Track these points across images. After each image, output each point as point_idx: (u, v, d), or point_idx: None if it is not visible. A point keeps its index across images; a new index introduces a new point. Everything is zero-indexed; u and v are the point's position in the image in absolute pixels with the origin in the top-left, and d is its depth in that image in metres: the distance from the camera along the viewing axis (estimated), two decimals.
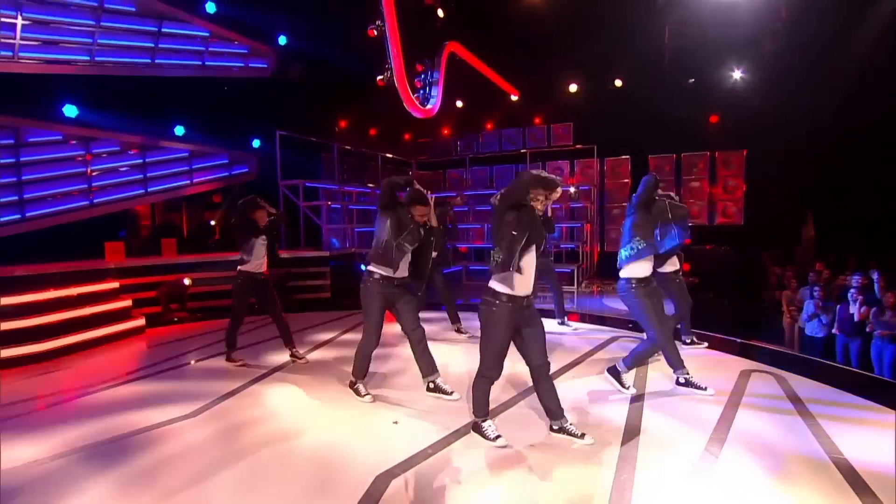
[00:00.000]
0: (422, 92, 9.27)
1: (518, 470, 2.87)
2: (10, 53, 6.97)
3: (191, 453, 3.13)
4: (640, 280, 3.95)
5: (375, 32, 7.72)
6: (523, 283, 3.00)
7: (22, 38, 7.00)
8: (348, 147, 11.43)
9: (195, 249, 9.30)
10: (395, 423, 3.57)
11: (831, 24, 9.07)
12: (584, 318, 7.06)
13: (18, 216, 7.05)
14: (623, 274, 4.03)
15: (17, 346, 4.97)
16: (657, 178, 4.22)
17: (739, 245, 10.90)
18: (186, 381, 4.54)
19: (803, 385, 4.14)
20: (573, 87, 12.13)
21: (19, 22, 6.94)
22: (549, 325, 6.21)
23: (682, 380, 4.04)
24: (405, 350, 5.37)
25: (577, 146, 12.16)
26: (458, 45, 9.87)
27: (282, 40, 10.12)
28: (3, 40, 6.87)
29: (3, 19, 6.80)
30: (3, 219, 6.92)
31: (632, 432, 3.33)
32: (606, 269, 11.58)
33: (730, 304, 9.74)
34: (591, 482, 2.72)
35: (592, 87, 12.00)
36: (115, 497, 2.66)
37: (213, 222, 10.08)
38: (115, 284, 6.19)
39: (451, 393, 3.86)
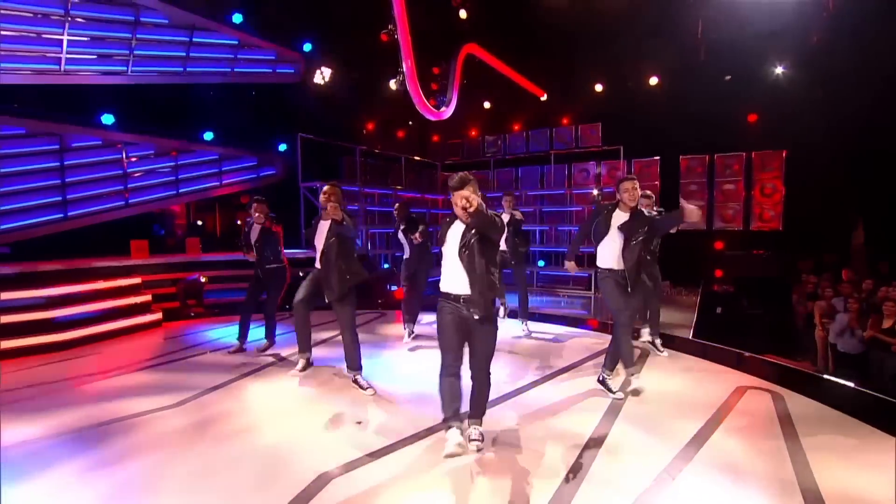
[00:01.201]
0: (441, 97, 9.35)
1: (460, 477, 2.85)
2: (57, 67, 7.62)
3: (157, 443, 3.32)
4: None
5: (388, 37, 7.87)
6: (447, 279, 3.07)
7: (67, 53, 7.63)
8: (370, 149, 11.65)
9: (227, 248, 9.83)
10: (359, 423, 3.64)
11: (881, 13, 8.32)
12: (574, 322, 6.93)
13: (61, 215, 7.70)
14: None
15: (44, 334, 5.44)
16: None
17: (777, 252, 10.25)
18: (182, 373, 4.80)
19: (802, 405, 3.86)
20: (600, 87, 11.78)
21: (65, 38, 7.57)
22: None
23: (600, 377, 4.19)
24: (399, 351, 5.49)
25: (604, 147, 11.81)
26: (477, 47, 9.83)
27: (307, 47, 10.45)
28: (50, 55, 7.53)
29: (51, 36, 7.44)
30: (47, 218, 7.57)
31: (595, 443, 3.23)
32: None
33: (763, 314, 9.20)
34: (533, 492, 2.66)
35: (621, 86, 11.61)
36: (72, 482, 2.86)
37: (239, 222, 10.57)
38: (136, 280, 6.64)
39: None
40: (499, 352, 3.56)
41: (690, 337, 6.07)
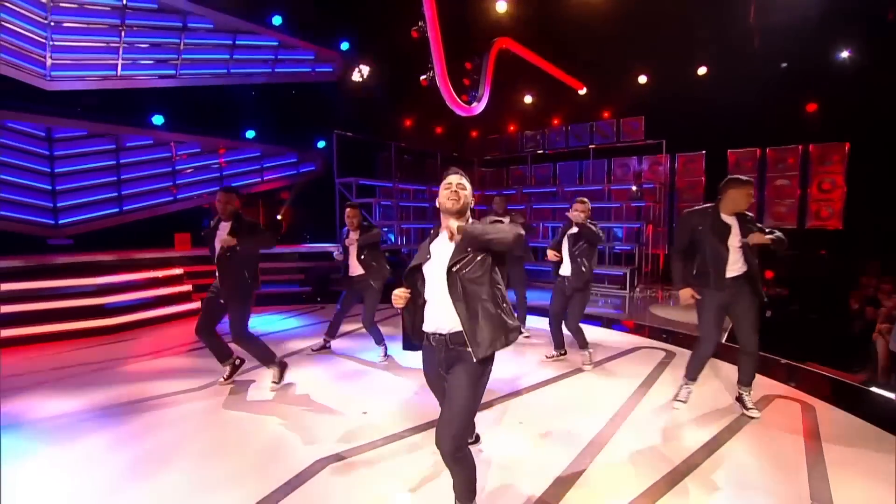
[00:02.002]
0: (473, 92, 9.31)
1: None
2: (114, 72, 8.23)
3: (176, 421, 3.55)
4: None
5: (418, 34, 7.91)
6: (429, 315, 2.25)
7: (122, 59, 8.22)
8: (406, 145, 11.79)
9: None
10: (365, 413, 3.72)
11: None
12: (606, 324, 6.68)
13: (117, 210, 8.33)
14: None
15: (95, 319, 5.93)
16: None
17: (836, 253, 9.49)
18: (211, 359, 5.03)
19: (834, 417, 3.58)
20: (643, 79, 11.31)
21: (121, 45, 8.15)
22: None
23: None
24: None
25: (646, 141, 11.35)
26: (510, 41, 9.69)
27: (344, 46, 10.71)
28: (108, 62, 8.14)
29: (108, 44, 8.04)
30: (104, 212, 8.21)
31: (597, 446, 3.14)
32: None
33: (819, 319, 8.56)
34: (526, 490, 2.63)
35: (667, 77, 11.09)
36: (97, 453, 3.12)
37: (279, 217, 11.02)
38: (179, 271, 7.09)
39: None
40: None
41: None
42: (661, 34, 10.21)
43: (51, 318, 5.77)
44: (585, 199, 4.70)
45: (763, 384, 4.28)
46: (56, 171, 7.73)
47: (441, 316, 2.16)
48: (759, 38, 9.91)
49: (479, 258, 2.14)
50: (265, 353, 4.22)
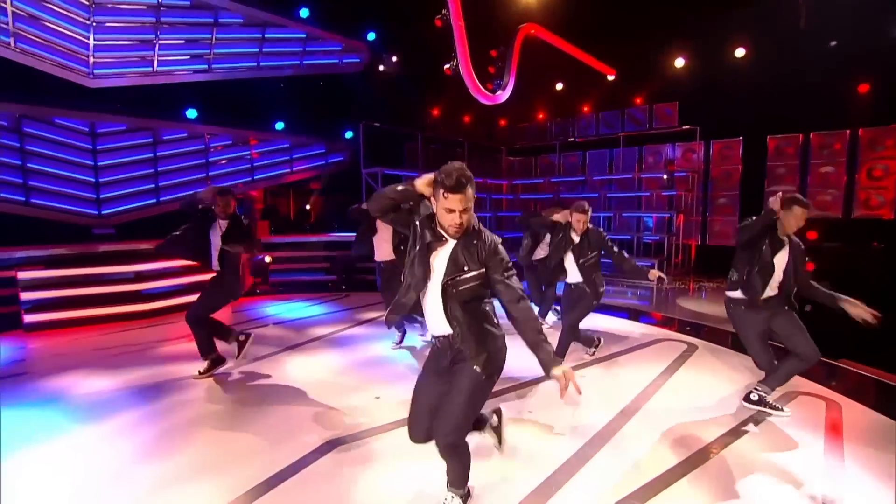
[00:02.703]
0: (497, 81, 9.20)
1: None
2: (150, 68, 8.59)
3: (198, 401, 3.76)
4: None
5: (442, 22, 7.87)
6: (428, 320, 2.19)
7: (158, 55, 8.56)
8: (433, 135, 11.79)
9: (297, 231, 10.67)
10: (377, 398, 3.82)
11: None
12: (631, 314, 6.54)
13: (154, 200, 8.74)
14: None
15: (133, 304, 6.30)
16: None
17: (889, 244, 8.91)
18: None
19: (861, 416, 3.42)
20: (680, 62, 10.84)
21: (157, 42, 8.49)
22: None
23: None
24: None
25: (680, 128, 10.91)
26: (537, 27, 9.49)
27: (371, 36, 10.77)
28: (145, 58, 8.49)
29: (145, 41, 8.38)
30: (143, 203, 8.64)
31: (606, 436, 3.12)
32: (706, 265, 10.37)
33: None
34: (528, 476, 2.65)
35: (703, 60, 10.61)
36: (125, 427, 3.34)
37: (308, 207, 11.28)
38: None
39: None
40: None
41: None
42: (696, 14, 9.76)
43: (93, 302, 6.15)
44: (588, 207, 4.25)
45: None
46: (99, 164, 8.17)
47: (439, 323, 2.12)
48: (806, 16, 9.33)
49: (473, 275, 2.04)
50: (207, 345, 4.30)
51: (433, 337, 2.22)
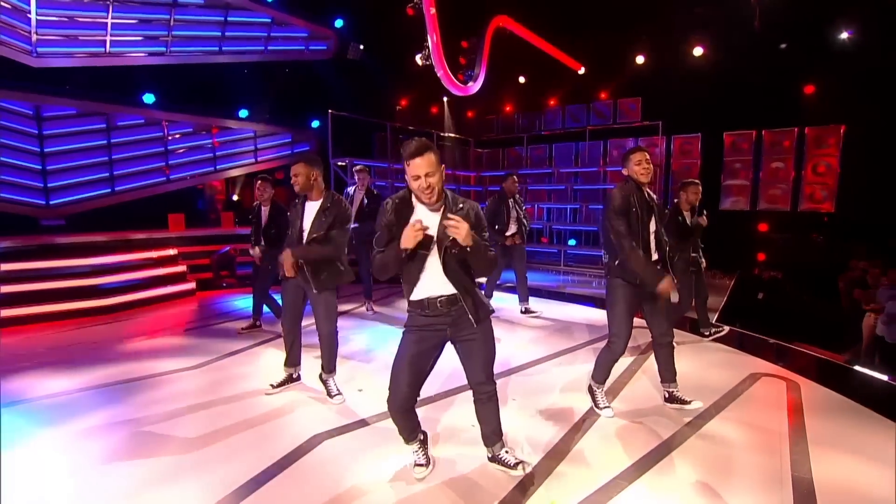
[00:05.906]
0: (469, 72, 9.19)
1: (443, 448, 2.93)
2: (102, 49, 8.06)
3: (173, 400, 3.60)
4: None
5: (414, 11, 7.78)
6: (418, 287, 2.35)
7: (111, 35, 8.04)
8: (401, 125, 11.67)
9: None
10: (360, 391, 3.78)
11: None
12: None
13: (109, 190, 8.26)
14: None
15: (90, 300, 5.94)
16: None
17: (827, 236, 9.58)
18: (208, 339, 5.12)
19: (819, 395, 3.67)
20: (641, 59, 11.17)
21: (109, 21, 7.97)
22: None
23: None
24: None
25: (643, 123, 11.27)
26: (508, 19, 9.53)
27: (338, 23, 10.50)
28: (95, 38, 7.96)
29: (96, 19, 7.85)
30: (97, 192, 8.15)
31: (586, 423, 3.22)
32: None
33: (811, 301, 8.69)
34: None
35: (663, 58, 10.96)
36: (94, 431, 3.16)
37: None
38: (173, 252, 7.07)
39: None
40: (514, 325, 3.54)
41: (714, 321, 5.82)
42: (658, 12, 10.08)
43: (46, 298, 5.77)
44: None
45: (751, 363, 4.37)
46: (46, 150, 7.63)
47: (438, 285, 2.31)
48: (760, 17, 9.80)
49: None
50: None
51: (422, 309, 2.34)
